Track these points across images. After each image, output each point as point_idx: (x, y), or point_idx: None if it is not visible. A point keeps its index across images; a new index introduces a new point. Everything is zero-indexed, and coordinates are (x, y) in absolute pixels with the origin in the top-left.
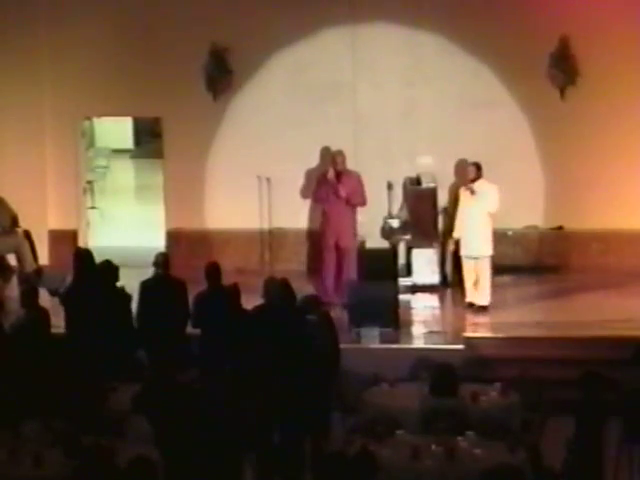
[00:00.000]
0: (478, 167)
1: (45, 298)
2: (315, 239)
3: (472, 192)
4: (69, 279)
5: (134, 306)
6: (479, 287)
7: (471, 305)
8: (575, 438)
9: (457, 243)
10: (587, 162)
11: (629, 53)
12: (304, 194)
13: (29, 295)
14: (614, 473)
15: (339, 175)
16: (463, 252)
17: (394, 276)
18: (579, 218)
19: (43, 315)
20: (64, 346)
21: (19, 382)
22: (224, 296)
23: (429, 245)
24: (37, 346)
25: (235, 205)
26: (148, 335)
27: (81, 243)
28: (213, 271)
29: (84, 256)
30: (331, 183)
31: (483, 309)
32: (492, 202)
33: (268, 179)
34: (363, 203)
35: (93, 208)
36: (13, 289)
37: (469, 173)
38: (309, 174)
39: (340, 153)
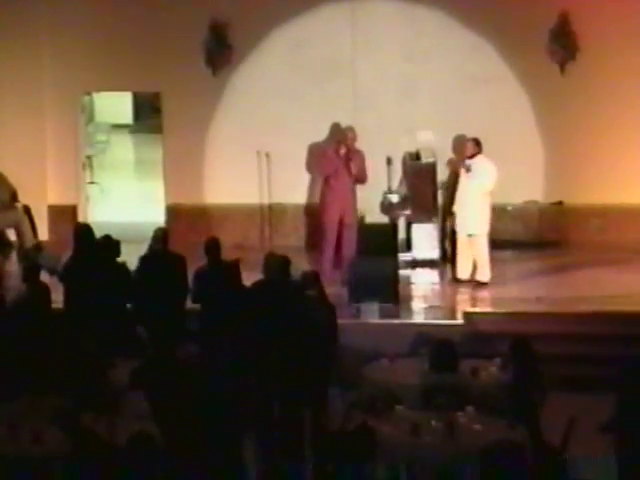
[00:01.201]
0: (477, 143)
1: (45, 275)
2: (315, 215)
3: (467, 170)
4: (65, 258)
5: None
6: (477, 264)
7: (457, 280)
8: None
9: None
10: (587, 137)
11: (628, 28)
12: (308, 168)
13: (31, 271)
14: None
15: (348, 152)
16: (458, 229)
17: (394, 251)
18: (579, 193)
19: (44, 291)
20: (64, 322)
21: (19, 358)
22: (224, 271)
23: (429, 220)
24: (38, 321)
25: (234, 180)
26: (147, 311)
27: (80, 218)
28: (213, 246)
29: (84, 231)
30: (343, 159)
31: (483, 285)
32: (486, 181)
33: (267, 154)
34: (366, 180)
35: (92, 183)
36: (13, 264)
37: (467, 149)
38: (313, 148)
39: (351, 129)
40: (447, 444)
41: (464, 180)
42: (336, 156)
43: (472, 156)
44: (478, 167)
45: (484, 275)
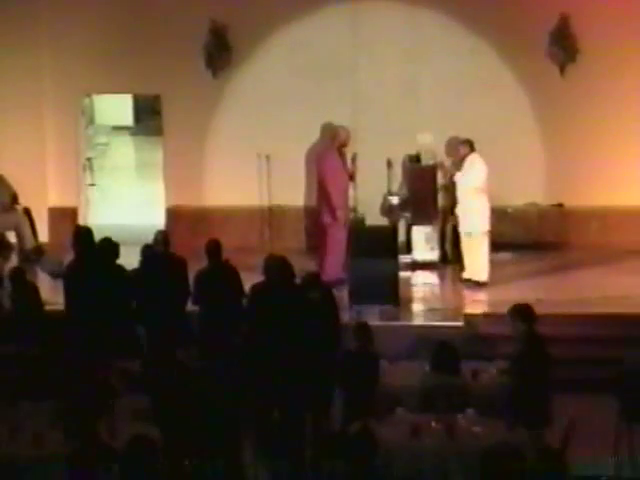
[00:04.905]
0: (469, 143)
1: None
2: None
3: (453, 175)
4: (66, 262)
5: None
6: (476, 264)
7: (466, 281)
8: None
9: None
10: (587, 139)
11: (629, 30)
12: (310, 175)
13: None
14: (614, 449)
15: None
16: (459, 228)
17: (394, 253)
18: (579, 195)
19: (32, 295)
20: (64, 324)
21: (17, 361)
22: (225, 273)
23: (429, 222)
24: (32, 325)
25: (235, 182)
26: (148, 313)
27: (81, 220)
28: (214, 248)
29: (83, 234)
30: (343, 161)
31: (482, 285)
32: (473, 177)
33: (267, 156)
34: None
35: (93, 185)
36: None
37: (459, 150)
38: (311, 153)
39: (345, 128)
40: (447, 446)
41: (458, 181)
42: (342, 162)
43: (464, 157)
44: (468, 166)
45: (481, 275)
